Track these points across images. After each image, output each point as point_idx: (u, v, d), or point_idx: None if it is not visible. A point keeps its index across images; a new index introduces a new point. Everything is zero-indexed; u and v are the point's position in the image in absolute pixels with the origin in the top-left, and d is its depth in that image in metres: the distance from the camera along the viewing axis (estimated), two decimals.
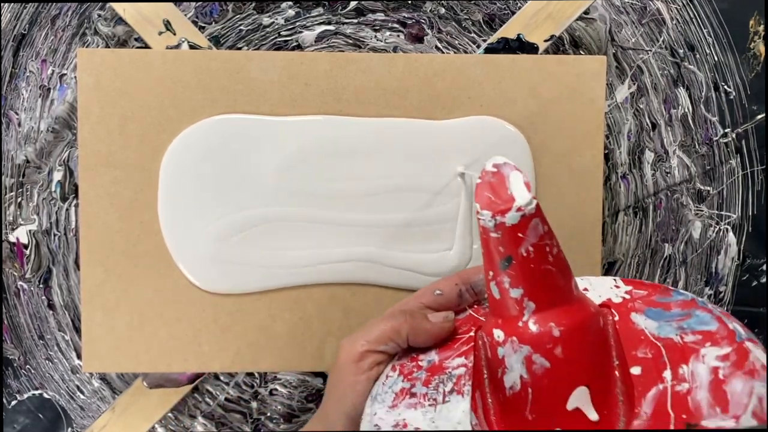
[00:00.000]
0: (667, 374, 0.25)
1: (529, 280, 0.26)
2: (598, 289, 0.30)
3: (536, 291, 0.26)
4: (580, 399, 0.25)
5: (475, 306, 0.33)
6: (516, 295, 0.26)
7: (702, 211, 0.45)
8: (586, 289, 0.31)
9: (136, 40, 0.43)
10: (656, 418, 0.24)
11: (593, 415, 0.25)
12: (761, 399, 0.22)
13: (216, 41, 0.43)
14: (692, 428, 0.22)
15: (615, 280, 0.31)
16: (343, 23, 0.44)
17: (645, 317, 0.28)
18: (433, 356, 0.30)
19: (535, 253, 0.25)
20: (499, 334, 0.26)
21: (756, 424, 0.21)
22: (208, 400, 0.44)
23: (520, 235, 0.25)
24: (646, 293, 0.30)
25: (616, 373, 0.26)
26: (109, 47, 0.43)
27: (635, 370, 0.26)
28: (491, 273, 0.26)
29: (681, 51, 0.44)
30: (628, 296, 0.30)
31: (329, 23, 0.44)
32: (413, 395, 0.28)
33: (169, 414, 0.44)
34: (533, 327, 0.25)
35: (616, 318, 0.28)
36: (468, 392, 0.27)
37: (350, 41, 0.44)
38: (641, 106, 0.44)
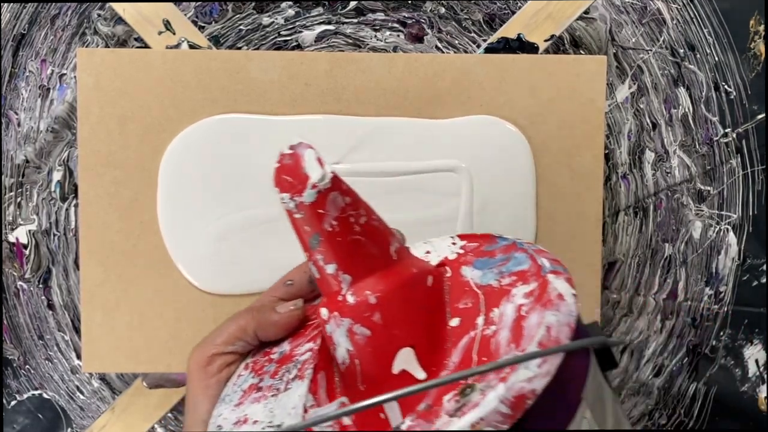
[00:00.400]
0: (480, 320, 0.25)
1: (340, 254, 0.26)
2: (438, 249, 0.31)
3: (349, 263, 0.26)
4: (405, 360, 0.25)
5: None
6: (331, 270, 0.26)
7: (702, 211, 0.44)
8: (428, 252, 0.31)
9: (135, 39, 0.43)
10: (462, 365, 0.24)
11: (420, 374, 0.25)
12: (549, 327, 0.22)
13: (216, 41, 0.43)
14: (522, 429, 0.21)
15: (453, 237, 0.32)
16: (343, 23, 0.44)
17: (473, 268, 0.28)
18: (285, 347, 0.30)
19: (340, 226, 0.25)
20: (324, 312, 0.26)
21: (540, 350, 0.21)
22: None
23: (320, 211, 0.25)
24: (477, 245, 0.30)
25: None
26: (108, 47, 0.43)
27: (453, 322, 0.26)
28: (306, 254, 0.27)
29: (681, 51, 0.44)
30: (462, 251, 0.30)
31: (329, 23, 0.44)
32: (260, 389, 0.28)
33: (169, 414, 0.44)
34: (351, 298, 0.26)
35: (449, 274, 0.29)
36: (309, 375, 0.27)
37: (350, 41, 0.44)
38: (641, 106, 0.44)
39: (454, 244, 0.31)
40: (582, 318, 0.25)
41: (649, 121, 0.44)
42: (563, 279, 0.24)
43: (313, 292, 0.33)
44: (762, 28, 0.43)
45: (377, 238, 0.27)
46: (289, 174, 0.25)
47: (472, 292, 0.27)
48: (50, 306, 0.44)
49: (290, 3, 0.43)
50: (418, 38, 0.44)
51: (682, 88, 0.44)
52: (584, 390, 0.23)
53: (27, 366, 0.44)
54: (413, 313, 0.26)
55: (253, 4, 0.43)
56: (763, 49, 0.43)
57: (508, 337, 0.23)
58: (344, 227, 0.26)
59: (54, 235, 0.43)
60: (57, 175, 0.43)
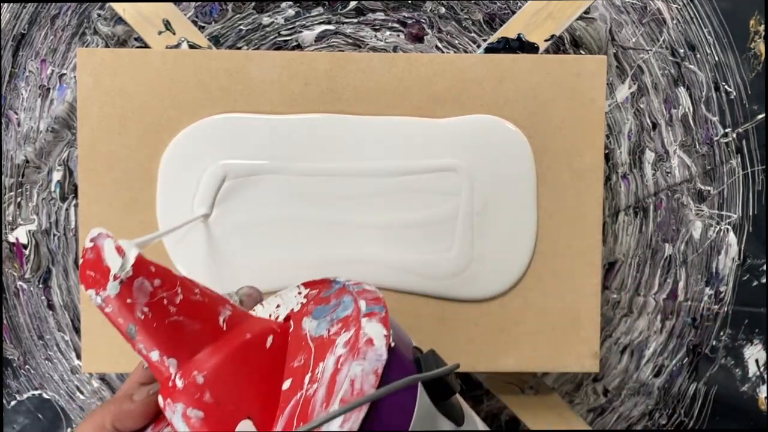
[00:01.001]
0: (307, 378, 0.24)
1: (159, 339, 0.25)
2: (286, 301, 0.30)
3: (171, 346, 0.25)
4: (247, 430, 0.24)
5: None
6: (156, 357, 0.25)
7: (702, 211, 0.44)
8: (278, 306, 0.30)
9: (135, 39, 0.43)
10: None
11: None
12: (353, 380, 0.21)
13: (216, 41, 0.43)
14: None
15: (299, 287, 0.31)
16: (343, 23, 0.44)
17: (311, 318, 0.27)
18: None
19: (153, 311, 0.24)
20: (160, 400, 0.25)
21: (340, 408, 0.20)
22: None
23: (129, 300, 0.24)
24: (316, 291, 0.29)
25: None
26: (108, 47, 0.43)
27: (286, 384, 0.25)
28: (129, 345, 0.25)
29: (681, 51, 0.44)
30: (305, 300, 0.29)
31: (329, 23, 0.44)
32: None
33: None
34: (179, 382, 0.25)
35: (292, 328, 0.27)
36: None
37: (350, 41, 0.44)
38: (642, 106, 0.44)
39: (299, 293, 0.30)
40: (419, 348, 0.25)
41: (649, 121, 0.44)
42: (376, 320, 0.23)
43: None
44: (762, 28, 0.43)
45: (200, 313, 0.26)
46: (92, 269, 0.24)
47: (306, 346, 0.26)
48: (50, 306, 0.44)
49: (290, 3, 0.43)
50: (418, 38, 0.44)
51: (682, 88, 0.44)
52: (410, 425, 0.22)
53: (27, 366, 0.44)
54: (246, 384, 0.25)
55: (253, 4, 0.43)
56: (763, 49, 0.43)
57: (323, 396, 0.22)
58: (158, 312, 0.25)
59: (54, 235, 0.43)
60: (57, 175, 0.43)
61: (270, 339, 0.26)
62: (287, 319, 0.29)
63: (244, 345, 0.26)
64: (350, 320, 0.25)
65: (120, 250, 0.24)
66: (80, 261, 0.25)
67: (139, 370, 0.31)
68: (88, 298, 0.24)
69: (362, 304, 0.25)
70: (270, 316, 0.30)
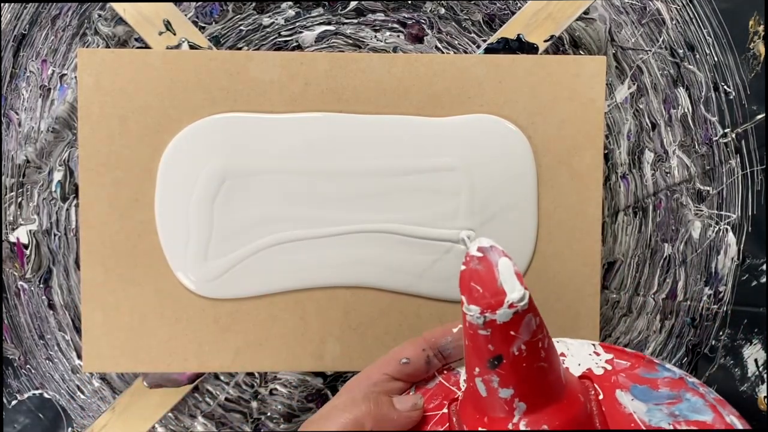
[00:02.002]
0: None
1: (521, 380, 0.23)
2: (577, 355, 0.28)
3: (528, 391, 0.23)
4: None
5: (445, 372, 0.30)
6: (505, 395, 0.23)
7: (702, 211, 0.45)
8: (563, 355, 0.28)
9: (136, 40, 0.43)
10: None
11: None
12: None
13: (216, 41, 0.43)
14: None
15: (594, 345, 0.28)
16: (343, 23, 0.44)
17: (631, 397, 0.25)
18: None
19: (528, 351, 0.23)
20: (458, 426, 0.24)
21: None
22: (208, 399, 0.44)
23: (512, 333, 0.22)
24: (629, 365, 0.27)
25: None
26: (109, 47, 0.43)
27: None
28: (477, 369, 0.24)
29: (681, 51, 0.44)
30: (609, 367, 0.27)
31: (329, 23, 0.44)
32: None
33: (170, 414, 0.44)
34: (523, 427, 0.23)
35: (601, 396, 0.26)
36: None
37: (350, 41, 0.44)
38: (641, 106, 0.44)
39: (597, 354, 0.28)
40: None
41: (648, 121, 0.44)
42: None
43: (428, 372, 0.30)
44: (761, 28, 0.43)
45: (556, 362, 0.24)
46: (479, 283, 0.22)
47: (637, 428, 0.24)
48: (51, 306, 0.44)
49: (290, 3, 0.43)
50: (418, 38, 0.44)
51: (681, 88, 0.44)
52: None
53: (28, 366, 0.44)
54: None
55: (254, 4, 0.43)
56: (762, 49, 0.44)
57: None
58: (532, 353, 0.23)
59: (54, 235, 0.43)
60: (58, 175, 0.43)
61: (588, 405, 0.25)
62: (583, 377, 0.27)
63: (583, 409, 0.24)
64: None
65: (520, 278, 0.22)
66: (462, 267, 0.22)
67: (392, 362, 0.29)
68: (466, 310, 0.22)
69: (734, 421, 0.23)
70: None
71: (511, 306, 0.22)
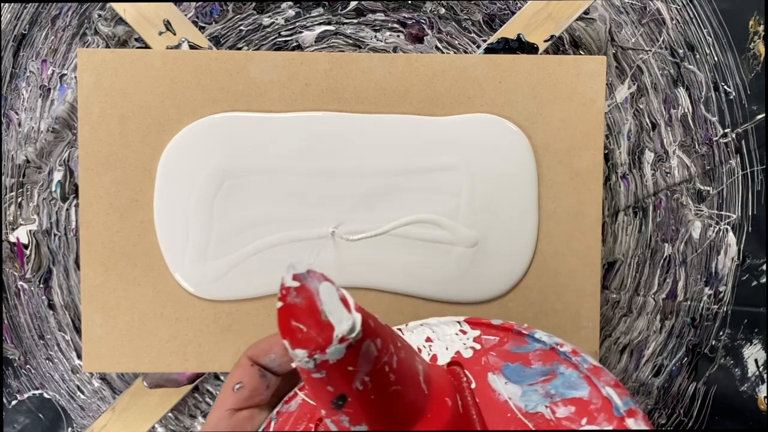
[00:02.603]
0: None
1: (374, 414, 0.20)
2: (443, 338, 0.25)
3: (383, 420, 0.20)
4: None
5: (302, 385, 0.27)
6: (361, 430, 0.20)
7: (702, 211, 0.45)
8: (429, 340, 0.25)
9: (136, 40, 0.43)
10: None
11: None
12: None
13: (216, 41, 0.43)
14: None
15: (459, 323, 0.25)
16: (343, 23, 0.44)
17: (505, 380, 0.22)
18: None
19: (374, 381, 0.19)
20: None
21: None
22: (208, 399, 0.44)
23: (350, 369, 0.18)
24: (497, 340, 0.24)
25: None
26: (109, 47, 0.43)
27: None
28: (323, 411, 0.20)
29: (681, 51, 0.44)
30: (478, 346, 0.24)
31: (329, 23, 0.44)
32: None
33: (170, 414, 0.44)
34: None
35: (473, 385, 0.22)
36: None
37: (350, 41, 0.44)
38: (641, 106, 0.44)
39: (463, 332, 0.25)
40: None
41: (648, 121, 0.44)
42: (644, 421, 0.19)
43: (269, 387, 0.26)
44: (761, 28, 0.43)
45: (410, 376, 0.21)
46: (302, 320, 0.18)
47: (517, 421, 0.21)
48: (51, 306, 0.44)
49: (290, 3, 0.43)
50: (418, 39, 0.44)
51: (681, 88, 0.44)
52: None
53: (28, 366, 0.44)
54: None
55: (254, 4, 0.43)
56: (762, 49, 0.44)
57: None
58: (379, 382, 0.19)
59: (55, 235, 0.43)
60: (58, 175, 0.43)
61: (459, 403, 0.21)
62: (452, 363, 0.24)
63: (452, 415, 0.21)
64: (593, 410, 0.20)
65: (346, 303, 0.19)
66: (279, 304, 0.18)
67: (228, 394, 0.26)
68: (293, 356, 0.18)
69: (611, 393, 0.20)
70: (419, 350, 0.25)
71: (342, 340, 0.18)
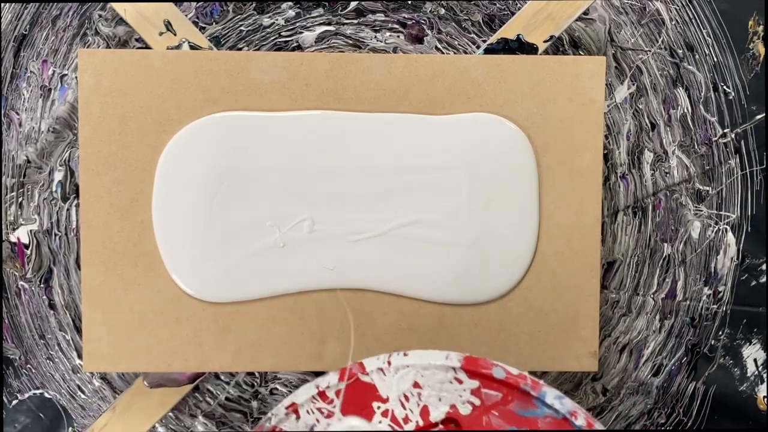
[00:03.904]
0: None
1: None
2: (434, 386, 0.22)
3: None
4: None
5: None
6: None
7: (701, 211, 0.45)
8: (417, 385, 0.22)
9: (136, 40, 0.43)
10: None
11: None
12: None
13: (217, 42, 0.43)
14: None
15: (455, 370, 0.21)
16: (343, 24, 0.44)
17: None
18: None
19: None
20: None
21: None
22: (208, 399, 0.45)
23: None
24: (500, 397, 0.21)
25: None
26: (109, 48, 0.43)
27: None
28: None
29: (680, 51, 0.44)
30: (477, 401, 0.21)
31: (329, 24, 0.44)
32: None
33: (170, 413, 0.44)
34: None
35: None
36: None
37: (350, 42, 0.44)
38: (640, 107, 0.44)
39: (459, 382, 0.22)
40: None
41: (648, 121, 0.44)
42: None
43: None
44: (761, 28, 0.44)
45: None
46: None
47: None
48: (51, 306, 0.44)
49: (291, 4, 0.43)
50: (418, 39, 0.44)
51: (681, 88, 0.44)
52: None
53: (28, 365, 0.44)
54: None
55: (254, 5, 0.43)
56: (761, 49, 0.44)
57: None
58: None
59: (55, 235, 0.43)
60: (58, 176, 0.43)
61: None
62: (449, 420, 0.21)
63: None
64: None
65: None
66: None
67: None
68: None
69: None
70: (406, 398, 0.22)
71: None
